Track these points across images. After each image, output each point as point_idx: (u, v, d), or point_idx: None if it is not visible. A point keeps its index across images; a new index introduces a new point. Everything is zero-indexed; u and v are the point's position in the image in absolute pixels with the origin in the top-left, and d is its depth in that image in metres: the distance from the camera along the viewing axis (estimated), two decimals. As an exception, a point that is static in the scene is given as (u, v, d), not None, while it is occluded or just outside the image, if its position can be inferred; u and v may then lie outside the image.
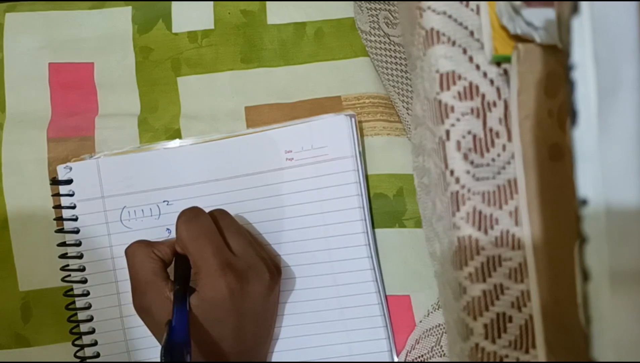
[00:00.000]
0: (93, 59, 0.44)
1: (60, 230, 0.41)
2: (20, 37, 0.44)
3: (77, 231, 0.41)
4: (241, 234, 0.36)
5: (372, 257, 0.39)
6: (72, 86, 0.44)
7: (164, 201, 0.41)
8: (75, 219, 0.41)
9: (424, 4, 0.25)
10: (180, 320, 0.33)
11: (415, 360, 0.39)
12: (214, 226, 0.35)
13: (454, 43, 0.24)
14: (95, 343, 0.40)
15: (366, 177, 0.40)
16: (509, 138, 0.24)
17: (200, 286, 0.34)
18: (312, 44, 0.43)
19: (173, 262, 0.37)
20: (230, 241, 0.36)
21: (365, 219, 0.39)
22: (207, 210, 0.40)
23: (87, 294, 0.41)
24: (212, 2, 0.44)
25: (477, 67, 0.24)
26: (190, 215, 0.35)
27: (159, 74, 0.44)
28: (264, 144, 0.40)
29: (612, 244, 0.18)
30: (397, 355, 0.39)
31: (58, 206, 0.41)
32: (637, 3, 0.18)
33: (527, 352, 0.23)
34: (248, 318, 0.35)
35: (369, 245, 0.39)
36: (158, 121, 0.43)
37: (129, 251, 0.36)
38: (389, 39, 0.39)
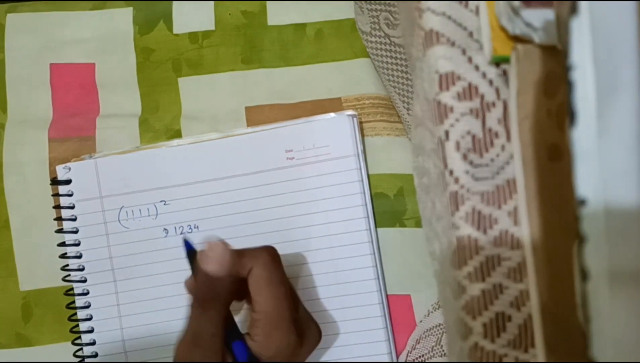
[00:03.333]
0: (94, 60, 0.44)
1: (60, 230, 0.41)
2: (22, 38, 0.44)
3: (76, 231, 0.41)
4: (293, 289, 0.35)
5: (374, 255, 0.39)
6: (73, 86, 0.44)
7: (161, 201, 0.41)
8: (74, 219, 0.41)
9: (424, 5, 0.25)
10: (240, 352, 0.31)
11: (415, 360, 0.39)
12: (287, 277, 0.33)
13: (453, 44, 0.24)
14: (93, 343, 0.41)
15: (367, 176, 0.40)
16: (508, 138, 0.24)
17: (262, 335, 0.31)
18: (312, 45, 0.43)
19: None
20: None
21: (367, 217, 0.39)
22: (207, 211, 0.40)
23: (86, 293, 0.41)
24: (212, 3, 0.44)
25: (477, 67, 0.24)
26: (276, 256, 0.32)
27: (160, 74, 0.44)
28: (264, 144, 0.40)
29: (611, 244, 0.18)
30: (398, 355, 0.39)
31: (58, 206, 0.41)
32: (636, 3, 0.18)
33: (526, 351, 0.23)
34: None
35: (372, 242, 0.39)
36: (159, 122, 0.43)
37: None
38: (389, 39, 0.39)
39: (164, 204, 0.41)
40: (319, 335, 0.35)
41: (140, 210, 0.41)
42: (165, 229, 0.41)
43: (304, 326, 0.33)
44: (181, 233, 0.40)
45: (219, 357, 0.31)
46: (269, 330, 0.31)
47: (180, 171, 0.41)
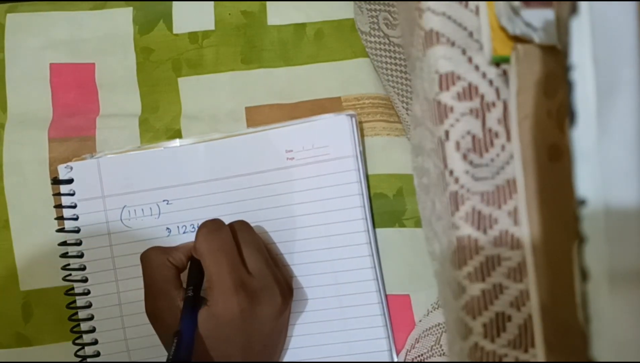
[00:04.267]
0: (94, 60, 0.44)
1: (61, 230, 0.41)
2: (22, 38, 0.44)
3: (77, 231, 0.41)
4: (259, 251, 0.36)
5: (373, 256, 0.39)
6: (73, 86, 0.44)
7: (163, 201, 0.41)
8: (76, 219, 0.41)
9: (424, 5, 0.25)
10: (188, 329, 0.33)
11: (414, 360, 0.39)
12: (233, 242, 0.35)
13: (453, 44, 0.24)
14: (95, 342, 0.41)
15: (366, 177, 0.40)
16: (508, 138, 0.24)
17: (212, 301, 0.34)
18: (312, 45, 0.43)
19: (188, 266, 0.37)
20: (247, 258, 0.35)
21: (366, 218, 0.39)
22: (209, 211, 0.40)
23: (87, 293, 0.41)
24: (212, 3, 0.44)
25: (477, 67, 0.24)
26: (212, 228, 0.35)
27: (160, 74, 0.44)
28: (265, 144, 0.40)
29: (611, 244, 0.18)
30: (397, 355, 0.39)
31: (59, 206, 0.42)
32: (636, 3, 0.18)
33: (526, 351, 0.23)
34: (255, 338, 0.35)
35: (370, 243, 0.39)
36: (159, 122, 0.43)
37: (144, 257, 0.37)
38: (388, 39, 0.39)
39: (167, 203, 0.41)
40: (283, 293, 0.36)
41: (142, 209, 0.41)
42: (167, 228, 0.41)
43: (257, 286, 0.34)
44: (184, 232, 0.40)
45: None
46: (214, 295, 0.34)
47: (182, 171, 0.41)
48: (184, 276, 0.37)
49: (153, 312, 0.36)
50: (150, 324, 0.36)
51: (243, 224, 0.37)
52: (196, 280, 0.36)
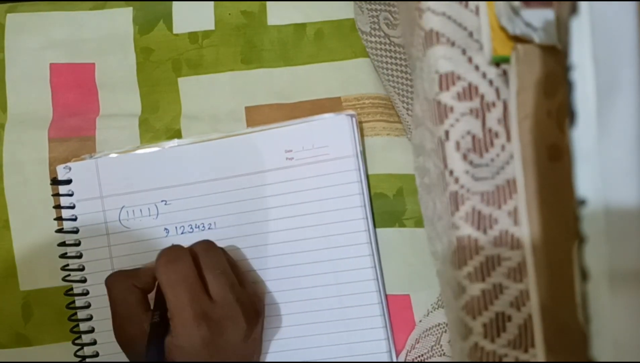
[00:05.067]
0: (94, 60, 0.44)
1: (61, 230, 0.41)
2: (22, 38, 0.44)
3: (76, 231, 0.41)
4: (223, 275, 0.35)
5: (373, 255, 0.39)
6: (73, 86, 0.44)
7: (162, 201, 0.41)
8: (75, 219, 0.41)
9: (424, 5, 0.25)
10: (154, 357, 0.32)
11: (414, 360, 0.39)
12: (193, 271, 0.34)
13: (453, 44, 0.24)
14: (94, 343, 0.41)
15: (367, 177, 0.40)
16: (508, 138, 0.24)
17: (175, 333, 0.33)
18: (312, 45, 0.43)
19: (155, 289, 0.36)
20: (210, 283, 0.34)
21: (366, 218, 0.39)
22: (207, 211, 0.40)
23: (86, 293, 0.41)
24: (212, 3, 0.44)
25: (477, 67, 0.24)
26: (170, 258, 0.34)
27: (160, 74, 0.44)
28: (264, 144, 0.40)
29: (611, 244, 0.18)
30: (397, 355, 0.39)
31: (58, 206, 0.41)
32: (636, 3, 0.18)
33: (526, 351, 0.23)
34: None
35: (371, 243, 0.39)
36: (159, 122, 0.43)
37: (108, 283, 0.36)
38: (389, 39, 0.39)
39: (165, 204, 0.41)
40: (248, 317, 0.35)
41: (141, 210, 0.41)
42: (166, 229, 0.41)
43: (219, 315, 0.34)
44: (182, 233, 0.40)
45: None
46: (176, 327, 0.33)
47: (181, 171, 0.41)
48: (152, 296, 0.36)
49: (121, 339, 0.35)
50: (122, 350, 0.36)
51: (207, 245, 0.36)
52: (163, 305, 0.35)
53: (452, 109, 0.24)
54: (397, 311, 0.40)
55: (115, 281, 0.36)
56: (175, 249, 0.35)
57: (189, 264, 0.34)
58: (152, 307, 0.35)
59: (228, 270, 0.36)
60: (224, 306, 0.34)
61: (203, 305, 0.33)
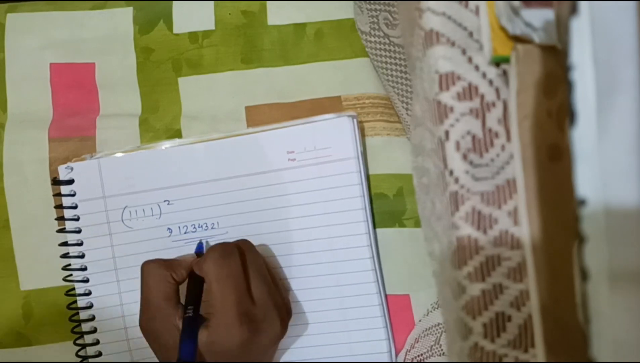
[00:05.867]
0: (94, 60, 0.44)
1: (62, 230, 0.41)
2: (22, 38, 0.44)
3: (78, 231, 0.41)
4: (263, 276, 0.35)
5: (373, 258, 0.39)
6: (74, 86, 0.44)
7: (164, 201, 0.41)
8: (77, 219, 0.41)
9: (424, 5, 0.25)
10: (188, 353, 0.32)
11: (414, 359, 0.39)
12: (241, 270, 0.34)
13: (453, 44, 0.24)
14: (97, 343, 0.41)
15: (367, 178, 0.40)
16: (508, 138, 0.24)
17: (213, 327, 0.33)
18: (312, 45, 0.43)
19: (187, 282, 0.36)
20: (253, 283, 0.35)
21: (367, 221, 0.39)
22: (210, 211, 0.40)
23: (88, 294, 0.41)
24: (212, 3, 0.44)
25: (477, 67, 0.24)
26: (224, 253, 0.34)
27: (160, 74, 0.44)
28: (266, 144, 0.40)
29: (610, 244, 0.18)
30: (397, 354, 0.39)
31: (59, 206, 0.42)
32: (636, 4, 0.18)
33: (526, 351, 0.23)
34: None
35: (371, 245, 0.39)
36: (159, 121, 0.43)
37: (145, 270, 0.36)
38: (388, 39, 0.39)
39: (168, 204, 0.41)
40: (283, 321, 0.35)
41: (143, 210, 0.41)
42: (169, 228, 0.41)
43: (260, 317, 0.34)
44: (185, 233, 0.40)
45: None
46: (217, 323, 0.33)
47: (183, 171, 0.41)
48: (183, 288, 0.36)
49: (149, 328, 0.35)
50: (144, 337, 0.36)
51: (250, 245, 0.37)
52: (196, 298, 0.35)
53: (452, 109, 0.24)
54: (396, 311, 0.40)
55: (154, 268, 0.35)
56: (228, 245, 0.35)
57: (238, 262, 0.34)
58: (182, 301, 0.35)
59: (266, 270, 0.36)
60: (263, 307, 0.34)
61: (247, 305, 0.33)
